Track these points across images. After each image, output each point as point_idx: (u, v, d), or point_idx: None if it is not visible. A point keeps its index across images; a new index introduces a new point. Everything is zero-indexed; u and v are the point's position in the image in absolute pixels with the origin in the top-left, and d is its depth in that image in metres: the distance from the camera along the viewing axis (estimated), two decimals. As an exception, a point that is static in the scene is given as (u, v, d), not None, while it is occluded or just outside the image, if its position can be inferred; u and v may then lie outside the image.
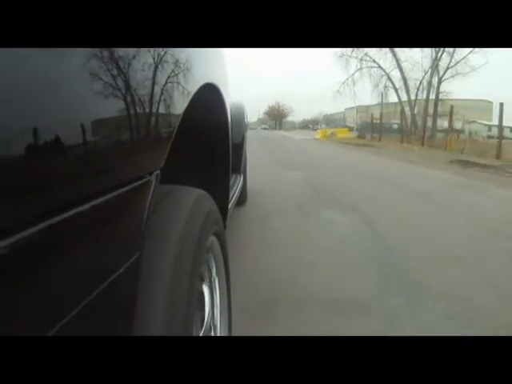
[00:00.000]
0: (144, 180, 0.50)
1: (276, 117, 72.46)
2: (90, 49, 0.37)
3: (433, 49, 17.74)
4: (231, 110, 1.34)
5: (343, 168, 6.85)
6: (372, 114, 19.46)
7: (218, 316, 0.92)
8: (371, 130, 18.96)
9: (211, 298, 0.87)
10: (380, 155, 9.86)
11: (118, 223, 0.45)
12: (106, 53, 0.41)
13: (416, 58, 19.38)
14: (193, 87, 0.72)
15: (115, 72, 0.44)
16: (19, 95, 0.29)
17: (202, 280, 0.79)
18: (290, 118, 76.79)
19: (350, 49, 19.90)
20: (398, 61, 19.16)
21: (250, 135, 4.34)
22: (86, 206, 0.37)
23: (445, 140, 11.55)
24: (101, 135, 0.40)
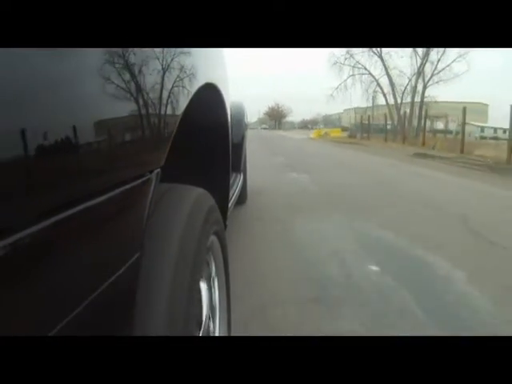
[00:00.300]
0: (144, 178, 0.50)
1: (275, 117, 74.64)
2: (90, 49, 0.37)
3: (418, 58, 19.97)
4: (231, 109, 1.34)
5: (318, 156, 9.14)
6: (362, 116, 21.10)
7: (218, 316, 0.92)
8: (361, 130, 20.71)
9: (210, 298, 0.87)
10: (359, 150, 11.84)
11: (118, 222, 0.45)
12: (106, 53, 0.41)
13: (402, 66, 22.36)
14: (193, 87, 0.73)
15: (115, 72, 0.44)
16: (19, 94, 0.29)
17: (201, 280, 0.79)
18: (289, 119, 79.35)
19: (343, 57, 22.21)
20: (386, 68, 21.13)
21: (250, 135, 5.55)
22: (86, 205, 0.37)
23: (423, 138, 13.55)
24: (101, 134, 0.40)
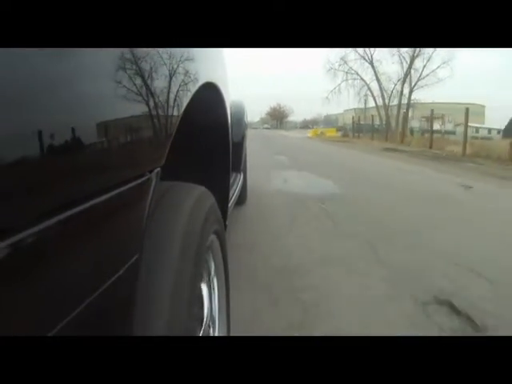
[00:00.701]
0: (144, 178, 0.50)
1: (277, 117, 76.78)
2: (89, 49, 0.37)
3: (404, 65, 22.38)
4: (231, 108, 1.34)
5: (305, 149, 12.12)
6: (353, 117, 22.98)
7: (217, 315, 0.92)
8: (353, 129, 22.71)
9: (210, 298, 0.87)
10: (342, 146, 14.09)
11: (118, 222, 0.45)
12: (106, 53, 0.41)
13: (391, 72, 25.57)
14: (193, 86, 0.73)
15: (115, 71, 0.44)
16: (18, 95, 0.29)
17: (201, 279, 0.79)
18: (290, 118, 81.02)
19: (338, 63, 24.88)
20: (376, 74, 23.63)
21: (252, 134, 8.02)
22: (86, 205, 0.37)
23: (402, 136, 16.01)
24: (100, 134, 0.40)
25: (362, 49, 23.07)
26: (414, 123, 24.18)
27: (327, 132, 30.24)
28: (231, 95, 1.37)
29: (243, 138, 2.86)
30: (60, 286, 0.34)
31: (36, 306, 0.31)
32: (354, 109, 30.25)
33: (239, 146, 2.74)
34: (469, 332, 1.37)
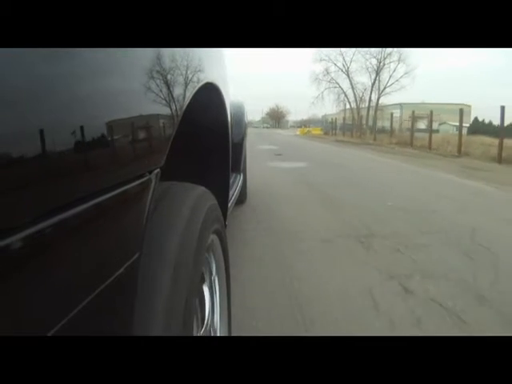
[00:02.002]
0: (144, 179, 0.50)
1: (275, 117, 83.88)
2: (89, 49, 0.37)
3: (372, 74, 29.27)
4: (231, 109, 1.34)
5: (287, 142, 16.56)
6: (332, 118, 29.62)
7: (218, 315, 0.92)
8: (331, 128, 29.13)
9: (211, 298, 0.87)
10: (314, 140, 19.04)
11: (118, 222, 0.45)
12: (105, 53, 0.41)
13: (364, 81, 32.09)
14: (193, 87, 0.73)
15: (115, 72, 0.44)
16: (17, 94, 0.29)
17: (202, 279, 0.79)
18: (288, 118, 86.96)
19: (322, 74, 31.99)
20: (351, 83, 31.36)
21: (253, 132, 11.63)
22: (86, 205, 0.37)
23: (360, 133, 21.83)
24: (100, 134, 0.40)
25: (340, 62, 30.61)
26: (385, 123, 27.66)
27: (313, 130, 37.36)
28: (231, 95, 1.37)
29: (243, 138, 2.86)
30: (60, 285, 0.34)
31: (36, 305, 0.31)
32: (352, 109, 34.78)
33: (239, 146, 2.74)
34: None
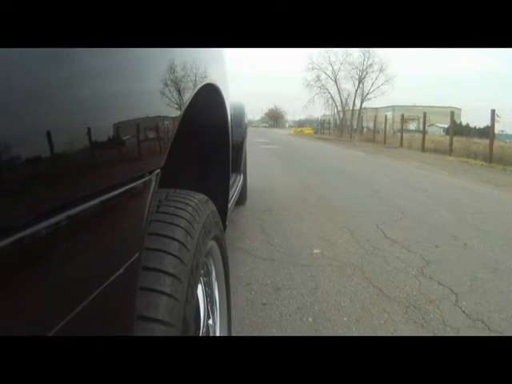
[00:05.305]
0: (144, 179, 0.50)
1: (274, 117, 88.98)
2: (89, 49, 0.37)
3: (355, 81, 32.90)
4: (231, 109, 1.34)
5: (278, 138, 21.10)
6: (320, 119, 35.03)
7: (218, 320, 0.92)
8: (320, 128, 34.80)
9: (211, 302, 0.87)
10: (303, 138, 22.98)
11: (118, 222, 0.45)
12: (105, 53, 0.41)
13: (349, 88, 36.99)
14: (193, 87, 0.73)
15: (115, 72, 0.44)
16: (18, 95, 0.29)
17: (201, 284, 0.79)
18: (286, 118, 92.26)
19: (313, 80, 35.30)
20: (338, 89, 35.25)
21: (252, 131, 13.10)
22: (86, 206, 0.37)
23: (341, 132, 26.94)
24: (100, 134, 0.40)
25: (330, 70, 33.90)
26: (370, 124, 31.16)
27: (305, 130, 42.25)
28: (231, 95, 1.37)
29: (243, 139, 2.86)
30: (60, 285, 0.34)
31: (36, 305, 0.31)
32: (348, 110, 38.20)
33: (239, 147, 2.74)
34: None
